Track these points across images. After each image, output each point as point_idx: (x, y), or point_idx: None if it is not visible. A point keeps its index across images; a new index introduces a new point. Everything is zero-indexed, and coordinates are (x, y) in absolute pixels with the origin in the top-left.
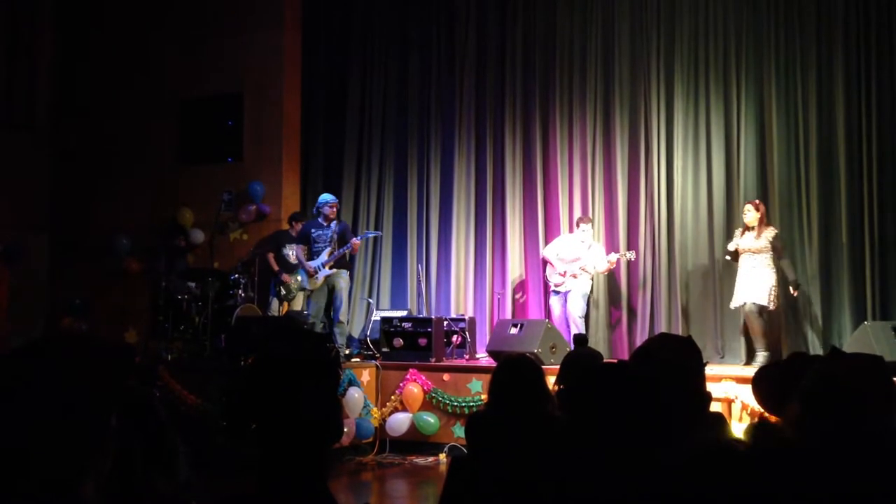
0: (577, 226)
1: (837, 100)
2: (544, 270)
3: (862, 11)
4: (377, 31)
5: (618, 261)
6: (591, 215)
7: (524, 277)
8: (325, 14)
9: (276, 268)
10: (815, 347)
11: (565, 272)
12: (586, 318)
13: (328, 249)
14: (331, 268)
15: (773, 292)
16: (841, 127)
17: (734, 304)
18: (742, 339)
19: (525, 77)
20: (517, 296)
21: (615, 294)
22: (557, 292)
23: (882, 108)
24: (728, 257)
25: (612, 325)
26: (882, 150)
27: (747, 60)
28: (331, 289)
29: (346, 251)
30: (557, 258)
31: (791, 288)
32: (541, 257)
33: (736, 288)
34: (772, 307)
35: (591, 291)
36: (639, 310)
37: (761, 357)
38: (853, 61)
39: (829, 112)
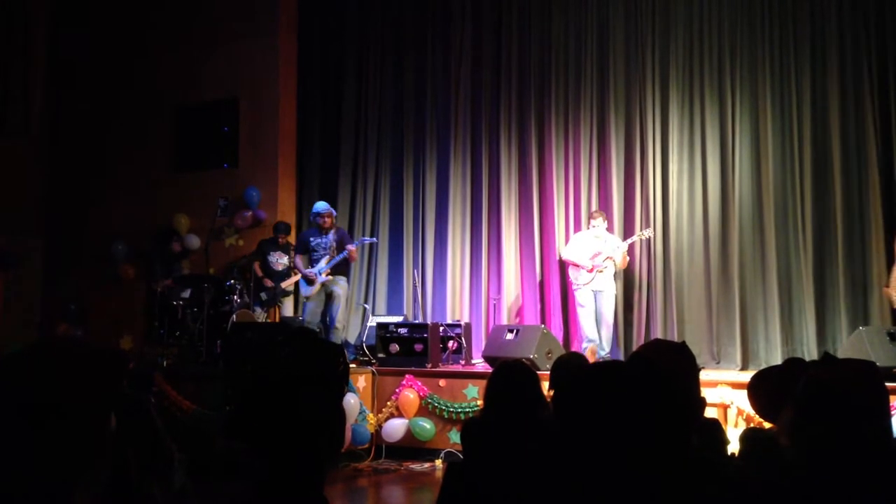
0: (591, 219)
1: (832, 106)
2: (565, 274)
3: (860, 18)
4: (372, 36)
5: (630, 246)
6: (601, 209)
7: (520, 283)
8: (320, 20)
9: (259, 274)
10: (811, 353)
11: (593, 268)
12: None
13: (326, 257)
14: (328, 275)
15: None
16: (836, 132)
17: None
18: (738, 344)
19: (520, 83)
20: (514, 303)
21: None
22: (589, 291)
23: (877, 115)
24: None
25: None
26: (876, 156)
27: (742, 67)
28: (328, 295)
29: (344, 258)
30: (579, 257)
31: None
32: (561, 260)
33: None
34: None
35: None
36: (635, 315)
37: None
38: (848, 67)
39: (823, 118)
